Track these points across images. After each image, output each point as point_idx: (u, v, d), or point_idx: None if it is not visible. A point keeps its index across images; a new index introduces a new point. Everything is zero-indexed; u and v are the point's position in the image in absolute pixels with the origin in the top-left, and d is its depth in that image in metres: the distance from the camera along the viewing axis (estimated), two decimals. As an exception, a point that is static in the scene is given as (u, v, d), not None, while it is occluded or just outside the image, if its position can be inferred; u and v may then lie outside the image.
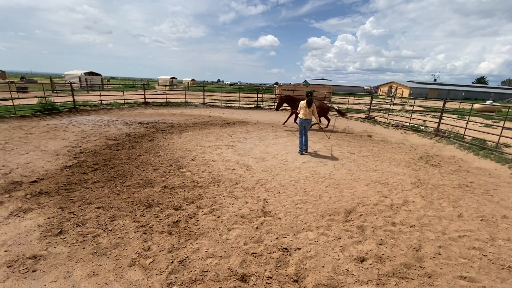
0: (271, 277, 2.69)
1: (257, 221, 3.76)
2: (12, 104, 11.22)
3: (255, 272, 2.74)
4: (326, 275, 2.75)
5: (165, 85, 27.65)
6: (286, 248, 3.16)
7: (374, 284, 2.66)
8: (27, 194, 4.18)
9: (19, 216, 3.55)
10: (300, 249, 3.17)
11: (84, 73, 33.74)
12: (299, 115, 7.40)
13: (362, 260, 3.02)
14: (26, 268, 2.63)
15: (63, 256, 2.83)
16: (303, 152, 7.42)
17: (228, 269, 2.77)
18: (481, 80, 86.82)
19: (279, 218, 3.87)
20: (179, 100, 19.43)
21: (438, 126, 10.80)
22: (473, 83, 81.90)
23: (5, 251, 2.86)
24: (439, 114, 11.15)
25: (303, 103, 7.31)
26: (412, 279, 2.76)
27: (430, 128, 11.67)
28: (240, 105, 18.99)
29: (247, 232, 3.47)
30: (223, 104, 18.95)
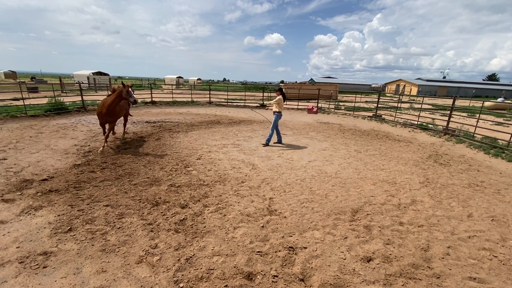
0: (277, 276, 2.69)
1: (263, 219, 3.77)
2: (23, 104, 11.46)
3: (261, 271, 2.75)
4: (332, 274, 2.74)
5: (172, 85, 27.86)
6: (292, 247, 3.16)
7: (381, 284, 2.64)
8: (38, 192, 4.28)
9: (30, 214, 3.63)
10: (306, 248, 3.16)
11: (93, 73, 34.21)
12: (277, 110, 7.78)
13: (369, 259, 3.00)
14: (37, 264, 2.69)
15: (72, 253, 2.89)
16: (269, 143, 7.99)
17: (234, 267, 2.78)
18: (492, 77, 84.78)
19: (285, 217, 3.87)
20: (185, 99, 19.53)
21: (448, 124, 10.60)
22: (484, 80, 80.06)
23: (17, 247, 2.93)
24: (448, 112, 10.94)
25: (281, 98, 7.75)
26: (420, 280, 2.73)
27: (439, 127, 11.47)
28: (246, 104, 18.99)
29: (253, 231, 3.48)
30: (229, 103, 18.99)
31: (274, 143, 8.21)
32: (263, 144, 7.91)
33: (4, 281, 2.44)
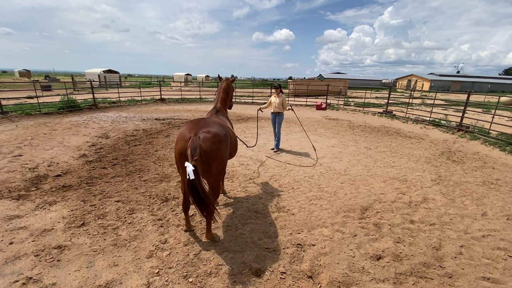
0: (285, 273, 2.69)
1: (271, 216, 3.77)
2: (37, 102, 11.77)
3: (269, 267, 2.75)
4: (341, 272, 2.72)
5: (180, 82, 28.11)
6: (300, 244, 3.15)
7: (391, 283, 2.60)
8: (52, 188, 4.40)
9: (45, 208, 3.74)
10: (315, 245, 3.15)
11: (103, 71, 34.81)
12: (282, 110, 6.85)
13: (379, 258, 2.96)
14: (51, 258, 2.77)
15: (85, 247, 2.97)
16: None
17: (243, 263, 2.80)
18: (509, 72, 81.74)
19: (293, 214, 3.85)
20: (193, 97, 19.66)
21: (461, 120, 10.30)
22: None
23: (33, 241, 3.03)
24: (462, 107, 10.62)
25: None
26: (432, 279, 2.68)
27: (453, 123, 11.15)
28: (254, 101, 18.95)
29: (261, 227, 3.48)
30: (236, 100, 18.98)
31: (273, 150, 7.10)
32: (275, 150, 7.02)
33: (20, 273, 2.53)
